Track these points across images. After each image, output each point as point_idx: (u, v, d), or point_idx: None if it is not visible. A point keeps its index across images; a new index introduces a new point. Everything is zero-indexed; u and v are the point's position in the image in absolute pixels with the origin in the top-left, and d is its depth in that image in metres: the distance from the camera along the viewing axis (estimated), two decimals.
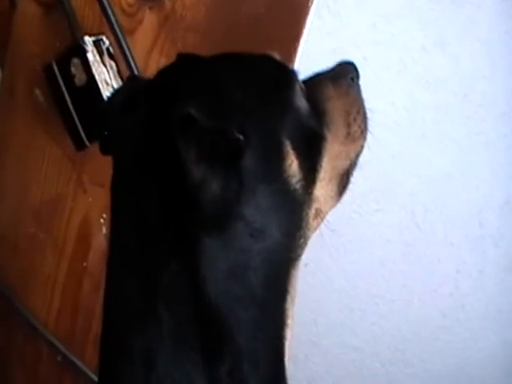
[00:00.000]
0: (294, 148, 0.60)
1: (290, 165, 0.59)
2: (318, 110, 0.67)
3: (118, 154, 0.65)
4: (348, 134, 0.70)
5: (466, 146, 1.64)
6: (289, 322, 0.61)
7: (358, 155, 0.72)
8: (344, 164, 0.69)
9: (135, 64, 0.92)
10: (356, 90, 0.75)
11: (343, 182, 0.70)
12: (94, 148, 0.94)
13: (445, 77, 1.57)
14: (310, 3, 0.96)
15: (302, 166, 0.60)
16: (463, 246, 1.69)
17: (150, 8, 0.95)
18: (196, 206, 0.54)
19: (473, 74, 1.58)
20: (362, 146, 0.72)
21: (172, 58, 0.95)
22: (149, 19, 0.95)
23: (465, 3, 1.52)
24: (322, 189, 0.65)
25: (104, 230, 0.99)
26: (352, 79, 0.75)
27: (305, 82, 0.69)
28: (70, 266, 1.01)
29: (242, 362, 0.56)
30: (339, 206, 1.41)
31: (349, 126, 0.70)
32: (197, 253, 0.55)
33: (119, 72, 0.93)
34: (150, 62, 0.96)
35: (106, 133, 0.69)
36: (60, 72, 0.90)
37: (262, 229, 0.57)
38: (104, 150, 0.70)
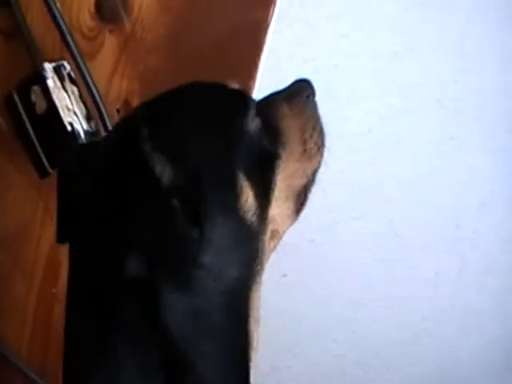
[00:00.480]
0: (249, 178, 0.59)
1: (246, 200, 0.59)
2: (272, 131, 0.67)
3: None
4: (304, 151, 0.69)
5: (440, 150, 1.63)
6: (254, 343, 0.61)
7: (315, 172, 0.71)
8: (300, 181, 0.69)
9: (96, 88, 0.91)
10: (312, 108, 0.75)
11: (300, 199, 0.70)
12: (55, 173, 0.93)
13: (417, 82, 1.57)
14: (269, 19, 0.95)
15: (256, 194, 0.60)
16: (441, 249, 1.69)
17: (110, 31, 0.93)
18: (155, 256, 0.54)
19: (445, 78, 1.58)
20: (319, 163, 0.72)
21: (134, 81, 0.95)
22: (109, 42, 0.94)
23: (436, 9, 1.51)
24: (279, 208, 0.65)
25: None
26: (308, 97, 0.75)
27: (260, 103, 0.69)
28: (39, 293, 0.99)
29: None
30: (316, 214, 1.41)
31: (304, 143, 0.70)
32: (156, 296, 0.54)
33: (81, 97, 0.92)
34: (112, 85, 0.95)
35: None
36: (20, 100, 0.89)
37: (221, 271, 0.56)
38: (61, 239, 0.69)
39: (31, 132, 0.89)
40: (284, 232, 0.68)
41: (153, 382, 0.55)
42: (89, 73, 0.90)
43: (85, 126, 0.91)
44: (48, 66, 0.88)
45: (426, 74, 1.58)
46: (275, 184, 0.64)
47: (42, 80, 0.88)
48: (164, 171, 0.54)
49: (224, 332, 0.58)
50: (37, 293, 0.99)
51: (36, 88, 0.88)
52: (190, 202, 0.54)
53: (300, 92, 0.74)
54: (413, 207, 1.65)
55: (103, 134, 0.92)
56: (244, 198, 0.59)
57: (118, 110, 0.96)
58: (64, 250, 0.97)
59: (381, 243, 1.63)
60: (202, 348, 0.56)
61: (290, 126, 0.69)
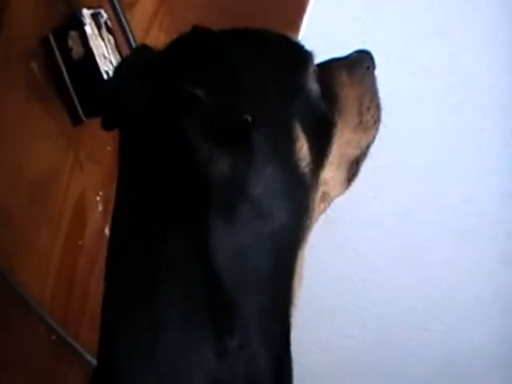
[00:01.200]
0: (305, 131, 0.59)
1: (301, 148, 0.58)
2: (330, 96, 0.66)
3: (124, 126, 0.62)
4: (360, 122, 0.69)
5: (461, 135, 1.62)
6: (295, 301, 0.61)
7: (368, 145, 0.71)
8: (354, 152, 0.69)
9: (134, 39, 0.90)
10: (371, 80, 0.74)
11: (352, 169, 0.69)
12: (90, 124, 0.92)
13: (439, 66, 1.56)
14: None
15: (311, 149, 0.60)
16: (457, 236, 1.68)
17: None
18: (204, 183, 0.53)
19: (471, 63, 1.57)
20: (374, 137, 0.71)
21: (171, 34, 0.93)
22: None
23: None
24: (332, 173, 0.65)
25: (100, 208, 0.97)
26: (368, 68, 0.74)
27: (319, 66, 0.67)
28: (65, 243, 0.98)
29: (251, 337, 0.56)
30: None
31: (361, 115, 0.69)
32: (206, 228, 0.53)
33: (117, 46, 0.91)
34: (149, 37, 0.94)
35: (110, 103, 0.66)
36: (57, 44, 0.88)
37: (269, 211, 0.56)
38: (107, 125, 0.67)
39: (66, 77, 0.89)
40: (334, 197, 0.67)
41: (197, 320, 0.54)
42: (127, 22, 0.89)
43: None
44: (86, 13, 0.88)
45: (448, 58, 1.56)
46: (330, 150, 0.63)
47: (80, 26, 0.87)
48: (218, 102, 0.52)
49: (269, 280, 0.57)
50: (63, 242, 0.98)
51: (73, 33, 0.88)
52: (245, 131, 0.53)
53: (360, 62, 0.73)
54: (432, 193, 1.63)
55: None
56: (299, 145, 0.58)
57: None
58: (91, 200, 0.97)
59: (395, 226, 1.62)
60: (247, 292, 0.55)
61: (349, 95, 0.69)
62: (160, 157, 0.56)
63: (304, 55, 0.64)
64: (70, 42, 0.88)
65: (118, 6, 0.88)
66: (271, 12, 0.94)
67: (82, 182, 0.97)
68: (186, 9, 0.94)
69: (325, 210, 0.67)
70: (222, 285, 0.54)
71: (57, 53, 0.88)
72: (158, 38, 0.94)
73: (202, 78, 0.52)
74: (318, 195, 0.62)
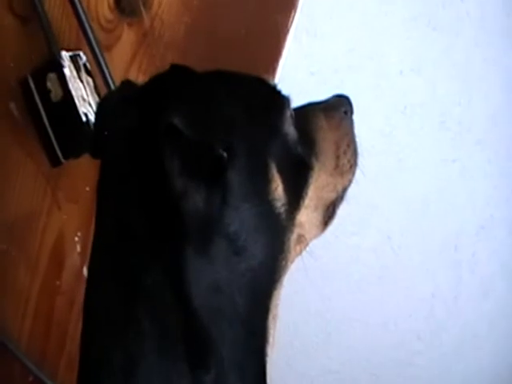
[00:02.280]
0: (280, 172, 0.59)
1: (276, 188, 0.59)
2: (307, 139, 0.67)
3: (105, 157, 0.62)
4: (336, 166, 0.69)
5: (442, 171, 1.64)
6: (270, 339, 0.61)
7: (345, 189, 0.71)
8: (330, 195, 0.69)
9: (112, 80, 0.90)
10: (348, 124, 0.74)
11: (329, 212, 0.69)
12: (69, 165, 0.92)
13: (422, 102, 1.57)
14: (289, 24, 0.96)
15: (287, 190, 0.60)
16: (439, 271, 1.68)
17: (129, 24, 0.93)
18: (179, 217, 0.53)
19: (450, 100, 1.58)
20: (350, 181, 0.72)
21: (150, 75, 0.95)
22: (127, 36, 0.93)
23: (443, 30, 1.52)
24: (308, 216, 0.65)
25: (78, 249, 0.97)
26: (345, 113, 0.75)
27: (297, 110, 0.68)
28: (42, 284, 0.98)
29: (227, 373, 0.55)
30: None
31: (338, 158, 0.70)
32: (181, 263, 0.54)
33: (96, 88, 0.91)
34: (129, 78, 0.94)
35: (96, 134, 0.67)
36: (36, 87, 0.88)
37: (245, 248, 0.56)
38: (94, 153, 0.67)
39: (45, 119, 0.89)
40: (310, 240, 0.68)
41: (173, 355, 0.54)
42: (106, 64, 0.90)
43: None
44: (65, 55, 0.88)
45: (430, 94, 1.58)
46: (306, 192, 0.64)
47: (58, 68, 0.87)
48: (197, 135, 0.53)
49: (244, 317, 0.57)
50: (40, 283, 0.98)
51: (52, 75, 0.88)
52: (220, 167, 0.54)
53: (338, 107, 0.74)
54: (412, 226, 1.64)
55: None
56: (274, 185, 0.59)
57: None
58: (69, 241, 0.97)
59: (379, 260, 1.62)
60: (222, 328, 0.55)
61: (326, 138, 0.69)
62: (137, 187, 0.56)
63: (280, 99, 0.65)
64: (49, 84, 0.88)
65: (96, 48, 0.88)
66: (248, 55, 0.95)
67: (59, 222, 0.97)
68: (165, 51, 0.95)
69: (301, 252, 0.67)
70: (197, 320, 0.54)
71: (35, 95, 0.88)
72: (136, 79, 0.94)
73: (181, 111, 0.52)
74: (294, 237, 0.62)
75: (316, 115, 0.71)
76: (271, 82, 0.68)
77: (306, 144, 0.66)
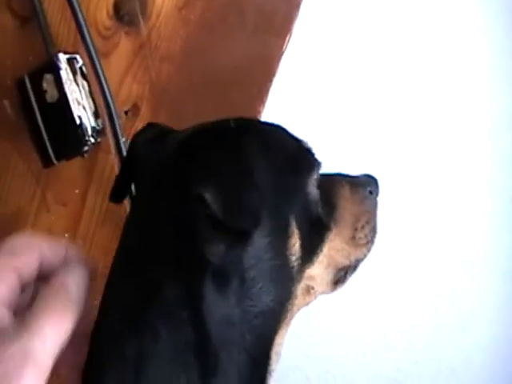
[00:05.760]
0: (299, 228, 0.61)
1: (294, 244, 0.60)
2: (329, 204, 0.68)
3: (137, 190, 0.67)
4: (353, 237, 0.70)
5: (424, 204, 1.64)
6: (272, 369, 0.62)
7: (358, 260, 0.72)
8: (343, 261, 0.70)
9: (108, 87, 0.90)
10: (372, 203, 0.76)
11: (339, 274, 0.70)
12: (59, 166, 0.91)
13: None
14: (283, 48, 0.96)
15: (303, 246, 0.61)
16: (419, 303, 1.67)
17: (126, 33, 0.93)
18: (202, 256, 0.55)
19: None
20: (365, 255, 0.73)
21: (145, 85, 0.95)
22: (124, 44, 0.93)
23: None
24: (319, 270, 0.66)
25: None
26: (371, 192, 0.76)
27: (325, 175, 0.70)
28: None
29: None
30: None
31: (355, 230, 0.71)
32: (200, 290, 0.55)
33: (91, 93, 0.91)
34: (123, 87, 0.94)
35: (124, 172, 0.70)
36: (32, 86, 0.88)
37: (258, 295, 0.58)
38: (116, 196, 0.71)
39: (39, 119, 0.88)
40: (320, 293, 0.69)
41: (183, 361, 0.55)
42: (102, 69, 0.89)
43: (92, 123, 0.91)
44: (63, 57, 0.87)
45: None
46: (321, 250, 0.65)
47: (55, 69, 0.87)
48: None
49: (250, 349, 0.58)
50: None
51: (48, 76, 0.87)
52: (243, 220, 0.55)
53: (365, 184, 0.76)
54: (393, 258, 1.64)
55: (110, 133, 0.91)
56: (293, 241, 0.60)
57: (126, 113, 0.95)
58: None
59: (359, 291, 1.61)
60: (230, 352, 0.57)
61: (347, 208, 0.71)
62: (168, 215, 0.58)
63: (310, 161, 0.67)
64: (45, 85, 0.87)
65: (93, 54, 0.88)
66: (243, 74, 0.96)
67: (47, 223, 0.95)
68: (161, 61, 0.94)
69: (310, 302, 0.68)
70: (208, 340, 0.55)
71: (31, 94, 0.88)
72: (131, 89, 0.94)
73: (210, 186, 0.53)
74: (303, 286, 0.64)
75: (342, 185, 0.72)
76: (307, 144, 0.69)
77: (327, 208, 0.67)
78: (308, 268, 0.64)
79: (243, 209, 0.55)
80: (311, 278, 0.65)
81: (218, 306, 0.56)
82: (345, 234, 0.69)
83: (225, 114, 0.91)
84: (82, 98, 0.89)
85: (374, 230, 0.74)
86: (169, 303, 0.55)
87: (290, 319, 0.63)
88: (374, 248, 1.47)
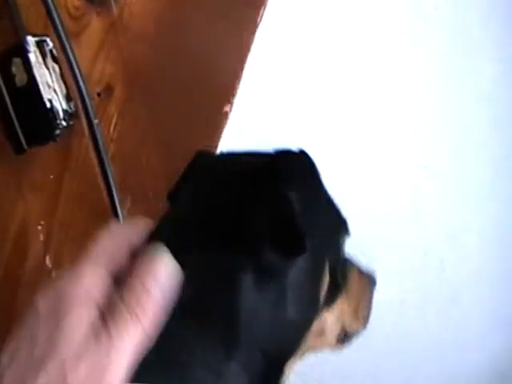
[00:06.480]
0: (329, 275, 0.63)
1: (325, 283, 0.63)
2: (342, 273, 0.70)
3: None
4: (356, 310, 0.74)
5: (413, 177, 1.63)
6: None
7: (354, 332, 0.75)
8: (348, 323, 0.73)
9: (79, 68, 0.88)
10: (372, 293, 0.81)
11: (341, 335, 0.72)
12: (34, 152, 0.89)
13: (394, 109, 1.56)
14: (258, 20, 0.94)
15: (327, 291, 0.64)
16: (407, 276, 1.67)
17: (97, 13, 0.90)
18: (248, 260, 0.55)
19: (422, 107, 1.58)
20: (360, 330, 0.76)
21: (117, 65, 0.92)
22: (95, 24, 0.90)
23: (418, 35, 1.52)
24: (332, 318, 0.68)
25: (41, 237, 0.94)
26: (371, 282, 0.81)
27: None
28: (5, 273, 0.94)
29: None
30: None
31: (358, 306, 0.74)
32: (238, 278, 0.55)
33: (62, 76, 0.89)
34: (95, 67, 0.91)
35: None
36: (0, 71, 0.85)
37: (288, 307, 0.58)
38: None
39: (9, 105, 0.86)
40: (324, 344, 0.70)
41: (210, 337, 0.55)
42: (72, 51, 0.87)
43: (64, 106, 0.88)
44: (31, 40, 0.85)
45: (403, 102, 1.58)
46: (335, 303, 0.67)
47: (23, 53, 0.84)
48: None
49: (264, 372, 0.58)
50: (2, 273, 0.94)
51: (17, 60, 0.85)
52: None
53: (369, 274, 0.80)
54: (381, 231, 1.63)
55: (83, 115, 0.89)
56: (325, 280, 0.63)
57: (99, 94, 0.93)
58: (33, 230, 0.94)
59: None
60: (251, 352, 0.57)
61: (354, 286, 0.73)
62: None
63: (346, 223, 0.70)
64: (14, 69, 0.85)
65: (63, 35, 0.86)
66: (217, 50, 0.94)
67: (22, 210, 0.93)
68: (133, 41, 0.92)
69: (315, 348, 0.69)
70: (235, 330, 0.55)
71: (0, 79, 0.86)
72: (103, 69, 0.92)
73: (294, 185, 0.56)
74: (317, 326, 0.64)
75: (353, 264, 0.75)
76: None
77: (342, 274, 0.69)
78: (326, 311, 0.66)
79: (312, 222, 0.57)
80: (325, 322, 0.66)
81: (250, 299, 0.55)
82: (350, 302, 0.72)
83: (200, 90, 0.89)
84: (52, 81, 0.87)
85: (368, 316, 0.78)
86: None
87: (301, 355, 0.63)
88: (363, 223, 1.47)
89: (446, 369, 1.78)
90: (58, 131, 0.87)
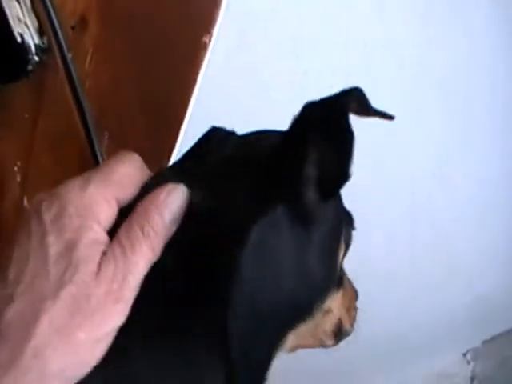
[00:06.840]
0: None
1: (341, 253, 0.62)
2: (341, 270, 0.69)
3: None
4: (349, 309, 0.75)
5: (399, 112, 1.60)
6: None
7: (346, 330, 0.76)
8: (342, 317, 0.73)
9: (51, 1, 0.84)
10: (356, 305, 0.81)
11: (337, 329, 0.72)
12: (6, 90, 0.86)
13: (382, 43, 1.54)
14: None
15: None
16: (395, 214, 1.67)
17: None
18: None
19: (410, 41, 1.55)
20: (350, 330, 0.77)
21: None
22: None
23: None
24: (337, 303, 0.68)
25: (18, 178, 0.91)
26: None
27: None
28: None
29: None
30: None
31: (350, 305, 0.76)
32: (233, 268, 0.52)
33: (34, 9, 0.85)
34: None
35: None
36: None
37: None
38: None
39: None
40: (319, 335, 0.70)
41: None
42: None
43: (36, 40, 0.85)
44: None
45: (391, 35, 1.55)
46: (339, 291, 0.67)
47: None
48: None
49: (255, 358, 0.56)
50: None
51: None
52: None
53: (355, 289, 0.80)
54: (369, 170, 1.61)
55: (56, 50, 0.85)
56: (341, 250, 0.62)
57: (72, 28, 0.89)
58: (9, 170, 0.91)
59: None
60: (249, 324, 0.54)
61: (348, 286, 0.74)
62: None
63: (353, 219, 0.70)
64: None
65: None
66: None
67: None
68: None
69: (316, 338, 0.69)
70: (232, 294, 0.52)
71: None
72: (77, 0, 0.88)
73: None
74: (325, 306, 0.63)
75: (344, 272, 0.72)
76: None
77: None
78: (335, 292, 0.64)
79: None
80: (331, 303, 0.65)
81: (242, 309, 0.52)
82: (346, 301, 0.72)
83: (177, 21, 0.84)
84: (23, 15, 0.83)
85: (355, 319, 0.79)
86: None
87: (301, 328, 0.60)
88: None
89: (433, 304, 1.79)
90: (30, 67, 0.84)
